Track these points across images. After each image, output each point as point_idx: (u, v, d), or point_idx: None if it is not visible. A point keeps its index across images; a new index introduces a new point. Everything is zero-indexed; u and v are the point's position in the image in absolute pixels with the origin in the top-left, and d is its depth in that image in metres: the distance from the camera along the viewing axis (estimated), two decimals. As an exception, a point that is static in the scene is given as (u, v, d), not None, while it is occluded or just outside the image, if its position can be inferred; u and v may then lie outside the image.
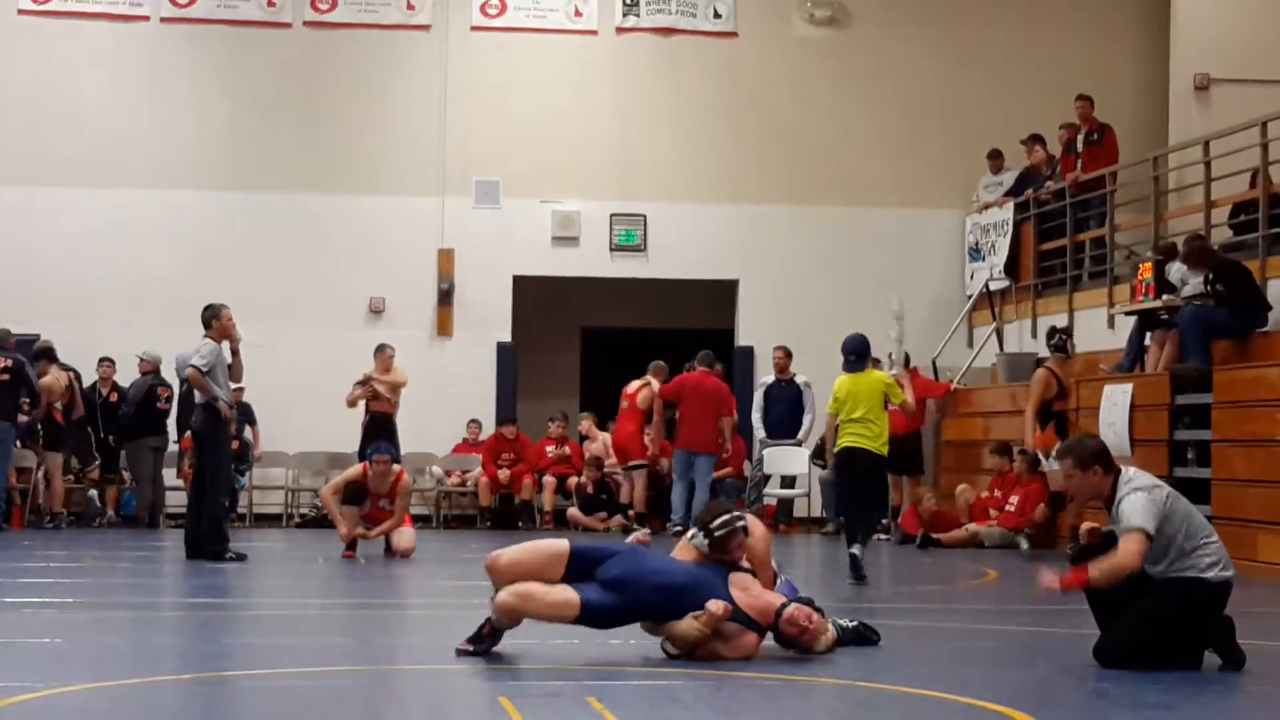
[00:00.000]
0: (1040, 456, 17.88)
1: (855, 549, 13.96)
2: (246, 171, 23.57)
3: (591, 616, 8.91)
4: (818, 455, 21.63)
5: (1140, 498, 8.65)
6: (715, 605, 8.78)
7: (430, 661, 9.13)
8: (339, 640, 10.36)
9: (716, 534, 9.16)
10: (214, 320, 16.21)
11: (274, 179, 23.60)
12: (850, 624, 9.63)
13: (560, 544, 9.14)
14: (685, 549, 9.36)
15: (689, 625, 8.85)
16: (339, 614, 12.30)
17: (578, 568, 8.97)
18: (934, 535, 19.13)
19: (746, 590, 9.07)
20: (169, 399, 21.64)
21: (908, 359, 20.85)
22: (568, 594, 8.84)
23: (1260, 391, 15.86)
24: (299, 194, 23.62)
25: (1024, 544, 18.44)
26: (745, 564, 9.25)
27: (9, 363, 20.46)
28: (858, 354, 14.82)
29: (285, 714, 7.25)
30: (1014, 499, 19.30)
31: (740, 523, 9.21)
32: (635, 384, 22.67)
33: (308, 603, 13.08)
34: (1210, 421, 16.54)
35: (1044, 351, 21.63)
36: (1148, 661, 8.67)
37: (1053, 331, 19.05)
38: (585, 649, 9.29)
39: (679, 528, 19.42)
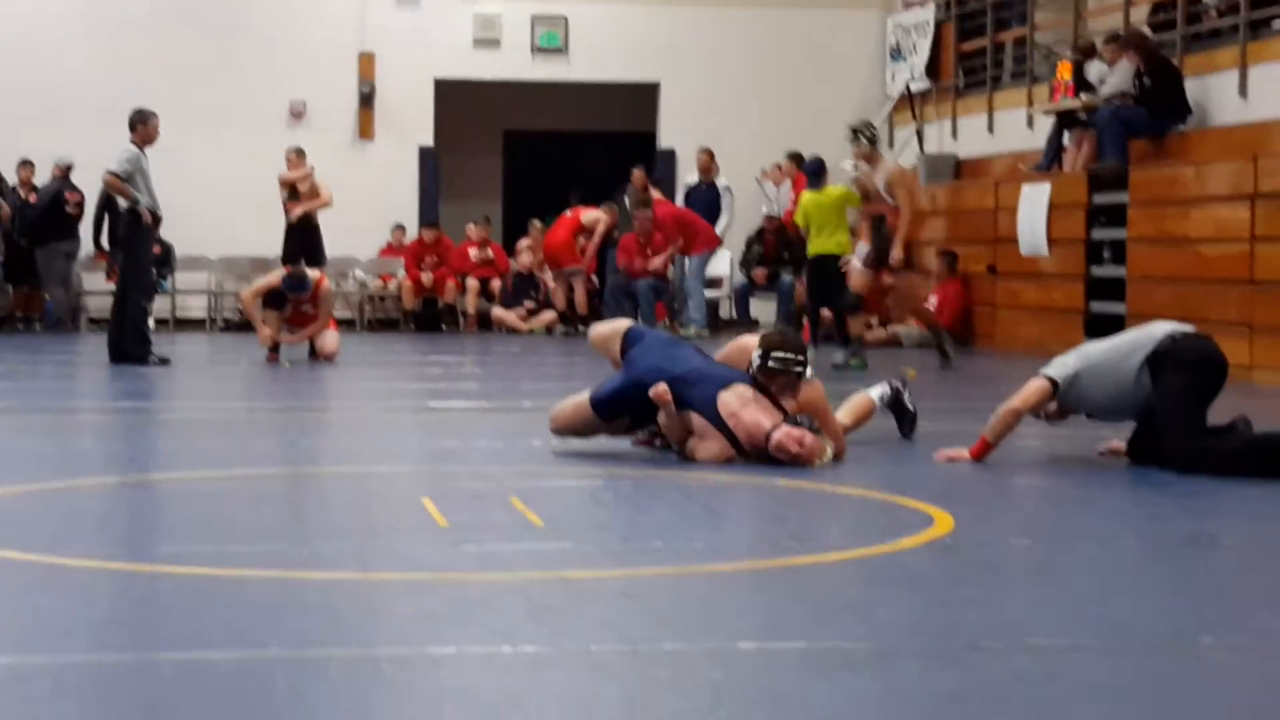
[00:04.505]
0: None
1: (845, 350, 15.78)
2: (161, -28, 23.26)
3: (601, 406, 9.07)
4: (751, 263, 21.75)
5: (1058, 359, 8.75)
6: (656, 387, 8.74)
7: (354, 463, 9.21)
8: (263, 443, 10.42)
9: (770, 364, 8.77)
10: (139, 125, 16.06)
11: (190, -21, 23.31)
12: (905, 397, 9.90)
13: (620, 322, 9.69)
14: (741, 350, 9.05)
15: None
16: (263, 417, 12.36)
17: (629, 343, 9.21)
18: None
19: (743, 403, 8.65)
20: (79, 204, 21.50)
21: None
22: (580, 397, 9.16)
23: (1176, 190, 16.02)
24: (216, -6, 23.36)
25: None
26: (789, 408, 8.71)
27: None
28: (814, 173, 16.38)
29: (210, 515, 7.31)
30: (933, 299, 19.47)
31: (798, 368, 8.79)
32: (592, 213, 22.42)
33: (231, 406, 13.11)
34: (1126, 220, 16.70)
35: (964, 152, 21.77)
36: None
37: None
38: (512, 453, 9.41)
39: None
